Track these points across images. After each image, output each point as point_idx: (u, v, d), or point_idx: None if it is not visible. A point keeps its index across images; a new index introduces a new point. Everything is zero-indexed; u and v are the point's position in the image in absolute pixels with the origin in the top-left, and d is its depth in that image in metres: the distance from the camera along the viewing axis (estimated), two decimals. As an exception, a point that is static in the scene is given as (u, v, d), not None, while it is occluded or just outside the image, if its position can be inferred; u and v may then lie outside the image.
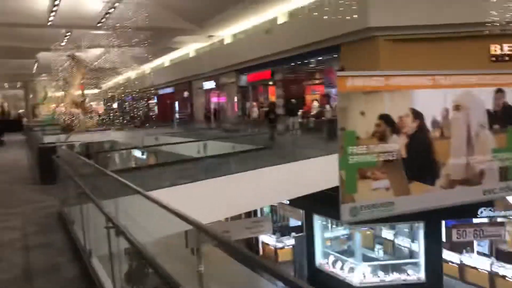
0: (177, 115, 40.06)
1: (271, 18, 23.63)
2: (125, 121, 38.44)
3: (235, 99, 28.47)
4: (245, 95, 27.75)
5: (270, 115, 15.60)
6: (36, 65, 40.11)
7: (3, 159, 16.96)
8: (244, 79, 27.32)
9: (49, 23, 22.25)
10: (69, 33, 26.90)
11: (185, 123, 33.87)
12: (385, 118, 5.86)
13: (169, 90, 40.85)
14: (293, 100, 22.80)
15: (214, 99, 32.78)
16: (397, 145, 5.92)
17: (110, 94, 54.45)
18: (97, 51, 38.65)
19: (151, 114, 45.30)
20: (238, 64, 25.95)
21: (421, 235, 14.12)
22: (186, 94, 37.07)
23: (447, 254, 14.46)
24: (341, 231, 16.43)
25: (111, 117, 37.85)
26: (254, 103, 26.75)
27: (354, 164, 5.75)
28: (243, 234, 10.35)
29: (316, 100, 21.64)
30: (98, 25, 23.45)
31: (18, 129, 41.09)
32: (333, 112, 19.78)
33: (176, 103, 40.46)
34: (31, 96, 55.36)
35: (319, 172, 11.60)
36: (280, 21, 23.07)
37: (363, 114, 5.79)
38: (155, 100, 45.43)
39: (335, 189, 11.67)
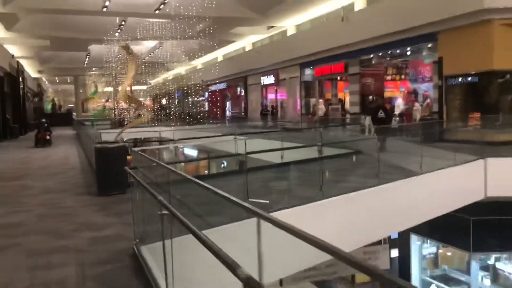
0: (229, 112, 38.06)
1: (346, 5, 20.92)
2: (173, 118, 36.85)
3: (297, 95, 25.95)
4: (309, 91, 25.18)
5: (379, 113, 12.86)
6: (87, 58, 39.06)
7: (51, 157, 15.08)
8: (309, 74, 24.75)
9: (104, 9, 20.47)
10: (124, 22, 25.18)
11: (239, 120, 31.71)
12: None
13: (221, 86, 38.84)
14: (370, 97, 20.17)
15: (271, 96, 30.38)
16: None
17: (159, 90, 53.46)
18: (149, 45, 37.20)
19: (201, 110, 43.57)
20: (303, 57, 23.43)
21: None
22: (239, 90, 34.95)
23: None
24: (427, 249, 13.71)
25: (164, 113, 36.30)
26: (321, 100, 24.18)
27: None
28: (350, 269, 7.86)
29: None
30: (156, 12, 21.48)
31: (68, 123, 40.38)
32: (424, 111, 17.02)
33: (229, 100, 38.42)
34: (81, 91, 54.92)
35: (451, 186, 8.98)
36: (358, 7, 20.32)
37: None
38: (206, 96, 43.63)
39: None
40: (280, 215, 5.77)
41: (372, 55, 19.59)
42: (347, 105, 22.88)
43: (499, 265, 12.44)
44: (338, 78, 23.31)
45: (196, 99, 45.99)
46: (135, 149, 4.90)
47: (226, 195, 3.21)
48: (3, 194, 8.48)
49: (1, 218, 6.55)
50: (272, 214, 5.79)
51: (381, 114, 12.58)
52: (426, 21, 15.43)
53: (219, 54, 38.65)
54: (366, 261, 6.53)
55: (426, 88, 17.74)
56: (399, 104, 18.81)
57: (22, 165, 13.24)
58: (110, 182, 7.90)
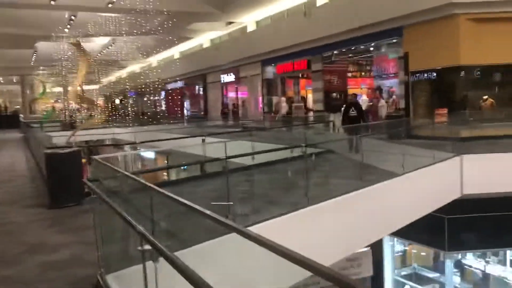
0: (187, 112, 37.01)
1: (307, 1, 20.53)
2: (129, 118, 35.51)
3: (259, 93, 25.36)
4: (271, 88, 24.63)
5: (350, 111, 12.28)
6: (34, 56, 36.85)
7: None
8: (270, 71, 24.22)
9: (52, 2, 19.04)
10: (74, 17, 23.67)
11: (198, 119, 30.80)
12: None
13: (179, 84, 37.69)
14: (334, 94, 19.89)
15: (232, 94, 29.66)
16: None
17: (112, 89, 51.48)
18: (101, 41, 35.56)
19: (158, 110, 42.29)
20: (265, 53, 22.87)
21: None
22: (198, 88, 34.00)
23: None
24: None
25: (118, 113, 34.81)
26: (283, 98, 23.67)
27: None
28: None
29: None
30: (109, 6, 20.23)
31: (15, 126, 37.98)
32: (390, 108, 16.83)
33: (187, 99, 37.36)
34: (28, 91, 52.11)
35: (430, 185, 8.60)
36: (321, 1, 19.93)
37: None
38: (163, 96, 42.34)
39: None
40: (268, 225, 5.11)
41: (335, 51, 19.25)
42: (310, 103, 22.54)
43: (466, 261, 12.36)
44: (301, 75, 22.90)
45: (152, 98, 44.61)
46: (97, 157, 4.06)
47: (207, 212, 2.57)
48: None
49: None
50: (260, 224, 5.14)
51: (352, 112, 12.03)
52: (390, 16, 15.21)
53: (176, 51, 37.48)
54: (349, 269, 5.96)
55: (391, 84, 17.59)
56: (364, 101, 18.56)
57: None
58: (63, 192, 6.94)
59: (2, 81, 59.48)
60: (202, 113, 33.28)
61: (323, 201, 6.03)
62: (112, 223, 3.62)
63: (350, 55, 20.24)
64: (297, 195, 6.45)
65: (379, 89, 18.04)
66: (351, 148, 10.55)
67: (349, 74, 20.52)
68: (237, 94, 29.00)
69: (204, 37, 31.56)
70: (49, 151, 6.98)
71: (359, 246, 7.82)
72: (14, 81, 56.10)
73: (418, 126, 14.51)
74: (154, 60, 42.02)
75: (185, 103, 37.74)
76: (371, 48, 18.71)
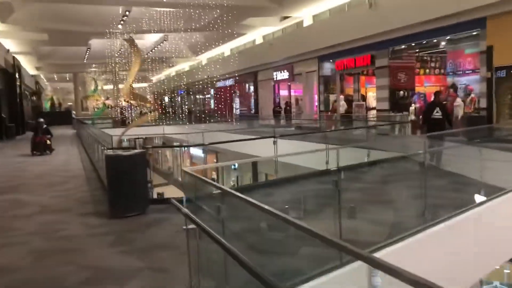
0: (237, 110, 36.21)
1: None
2: (182, 116, 35.24)
3: (315, 91, 24.12)
4: (328, 86, 23.34)
5: (434, 112, 10.49)
6: (87, 53, 37.16)
7: (49, 162, 13.22)
8: (328, 67, 22.91)
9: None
10: (128, 13, 23.26)
11: (248, 118, 29.91)
12: None
13: (228, 82, 36.96)
14: (401, 92, 18.39)
15: (284, 92, 28.55)
16: None
17: (161, 87, 51.64)
18: (152, 39, 35.35)
19: (206, 108, 41.86)
20: (323, 49, 21.60)
21: None
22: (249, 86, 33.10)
23: None
24: None
25: (167, 111, 34.52)
26: (342, 96, 22.35)
27: None
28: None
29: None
30: (164, 0, 19.59)
31: (67, 122, 38.56)
32: (468, 107, 15.21)
33: (236, 97, 36.57)
34: (80, 88, 53.06)
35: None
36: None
37: None
38: (212, 94, 41.80)
39: None
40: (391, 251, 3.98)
41: (403, 46, 17.75)
42: (370, 101, 21.10)
43: None
44: (362, 72, 21.46)
45: (201, 96, 44.25)
46: (186, 169, 3.07)
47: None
48: (-11, 215, 6.67)
49: (-18, 256, 4.73)
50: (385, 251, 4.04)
51: (437, 113, 10.33)
52: (472, 6, 13.61)
53: (226, 48, 36.74)
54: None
55: (468, 81, 15.93)
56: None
57: (16, 172, 11.39)
58: (126, 200, 6.09)
59: (56, 79, 61.13)
60: (253, 111, 32.39)
61: (445, 220, 4.81)
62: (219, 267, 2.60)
63: (420, 49, 18.65)
64: (404, 212, 5.27)
65: (454, 87, 16.41)
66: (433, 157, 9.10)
67: (421, 71, 18.90)
68: (289, 92, 27.88)
69: (256, 33, 30.59)
70: (110, 152, 6.14)
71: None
72: (67, 78, 57.43)
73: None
74: (203, 57, 41.54)
75: (234, 101, 36.98)
76: (443, 43, 17.11)
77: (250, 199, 2.25)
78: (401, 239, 4.30)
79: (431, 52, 19.10)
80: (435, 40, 16.67)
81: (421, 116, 12.37)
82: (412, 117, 17.20)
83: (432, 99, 11.56)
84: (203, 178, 2.66)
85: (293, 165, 9.80)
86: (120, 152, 6.12)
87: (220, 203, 2.72)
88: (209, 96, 42.57)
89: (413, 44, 17.47)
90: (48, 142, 15.49)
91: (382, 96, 18.73)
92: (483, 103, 14.21)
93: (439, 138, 9.49)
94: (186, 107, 42.41)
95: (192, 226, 2.50)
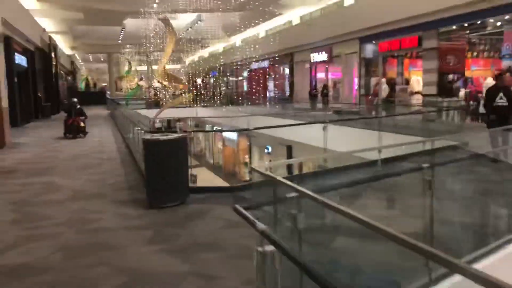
0: (271, 93, 35.41)
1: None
2: (217, 99, 34.78)
3: (355, 73, 23.08)
4: (369, 69, 22.24)
5: (497, 98, 9.22)
6: (122, 33, 36.98)
7: (83, 143, 12.88)
8: (370, 49, 21.79)
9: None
10: (163, -9, 22.72)
11: (284, 101, 29.11)
12: None
13: (263, 64, 36.10)
14: (450, 76, 17.25)
15: (321, 74, 27.54)
16: None
17: (195, 68, 51.25)
18: (186, 19, 34.78)
19: (239, 91, 41.23)
20: (365, 29, 20.49)
21: None
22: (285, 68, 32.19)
23: None
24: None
25: (201, 93, 34.10)
26: (383, 79, 21.24)
27: None
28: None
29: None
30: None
31: (102, 102, 38.74)
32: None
33: (271, 79, 35.73)
34: (114, 69, 53.33)
35: None
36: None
37: None
38: (246, 76, 41.09)
39: None
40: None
41: (454, 27, 16.54)
42: (416, 85, 19.91)
43: None
44: (406, 54, 20.28)
45: (234, 78, 43.61)
46: (258, 167, 2.36)
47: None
48: (21, 199, 6.25)
49: (9, 251, 4.25)
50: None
51: (501, 100, 8.92)
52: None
53: (261, 29, 35.82)
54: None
55: (527, 65, 14.67)
56: (489, 85, 15.76)
57: (50, 152, 11.08)
58: (165, 189, 5.53)
59: (91, 59, 61.66)
60: (287, 94, 31.55)
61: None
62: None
63: (467, 31, 17.37)
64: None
65: (510, 71, 15.15)
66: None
67: (472, 53, 17.65)
68: (327, 74, 26.87)
69: (294, 13, 29.55)
70: (148, 137, 5.56)
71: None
72: (102, 59, 57.80)
73: None
74: (238, 39, 40.77)
75: (268, 84, 36.16)
76: (498, 23, 15.80)
77: (364, 218, 1.58)
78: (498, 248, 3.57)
79: (484, 34, 17.78)
80: (491, 20, 15.40)
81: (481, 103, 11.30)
82: (462, 102, 16.10)
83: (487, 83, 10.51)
84: (285, 180, 2.01)
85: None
86: (158, 136, 5.54)
87: (296, 211, 2.07)
88: (241, 78, 41.87)
89: (465, 25, 16.25)
90: (82, 124, 14.62)
91: (430, 80, 17.59)
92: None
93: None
94: (222, 89, 41.85)
95: (270, 247, 1.85)
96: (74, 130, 14.21)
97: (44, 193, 6.62)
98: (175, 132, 5.80)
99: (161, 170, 5.46)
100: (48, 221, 5.12)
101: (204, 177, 15.68)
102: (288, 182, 2.04)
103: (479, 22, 15.75)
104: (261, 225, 1.91)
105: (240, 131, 6.92)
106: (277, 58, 31.68)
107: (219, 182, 24.43)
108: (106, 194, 6.39)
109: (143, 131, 6.72)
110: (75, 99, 15.64)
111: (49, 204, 5.95)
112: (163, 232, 4.63)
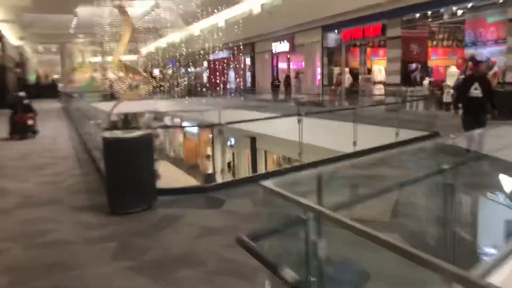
0: (232, 84, 34.76)
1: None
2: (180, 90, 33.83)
3: (318, 63, 22.81)
4: (332, 58, 22.00)
5: (472, 89, 8.17)
6: (74, 22, 35.19)
7: (34, 141, 11.81)
8: (333, 38, 21.55)
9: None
10: (117, -23, 21.49)
11: (246, 93, 28.60)
12: None
13: (222, 54, 35.33)
14: (413, 65, 17.24)
15: (283, 65, 27.17)
16: None
17: (151, 59, 49.77)
18: (141, 8, 33.45)
19: (197, 82, 40.31)
20: (328, 18, 20.20)
21: None
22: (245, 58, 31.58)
23: None
24: None
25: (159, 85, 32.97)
26: (347, 69, 21.09)
27: None
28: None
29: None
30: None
31: (53, 95, 36.93)
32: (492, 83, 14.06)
33: (231, 70, 35.04)
34: (66, 60, 51.02)
35: None
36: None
37: None
38: (205, 66, 40.20)
39: None
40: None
41: (418, 15, 16.48)
42: (376, 75, 19.82)
43: None
44: (370, 43, 20.17)
45: (193, 69, 42.61)
46: (267, 183, 1.81)
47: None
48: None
49: None
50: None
51: (475, 91, 8.13)
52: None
53: (220, 18, 35.01)
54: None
55: (490, 53, 14.77)
56: (452, 73, 15.83)
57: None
58: (129, 193, 4.90)
59: (41, 50, 58.77)
60: (248, 85, 31.03)
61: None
62: None
63: (430, 19, 17.37)
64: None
65: (473, 59, 15.22)
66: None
67: (435, 42, 17.71)
68: (289, 64, 26.53)
69: (254, 2, 28.94)
70: (109, 135, 4.90)
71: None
72: (53, 50, 55.19)
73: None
74: (196, 28, 39.73)
75: (229, 75, 35.47)
76: (460, 11, 15.85)
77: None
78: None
79: (444, 23, 17.85)
80: (454, 8, 15.41)
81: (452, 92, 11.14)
82: (426, 92, 16.14)
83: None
84: (305, 201, 1.50)
85: (312, 146, 8.61)
86: (120, 134, 4.89)
87: (316, 237, 1.56)
88: (199, 69, 40.97)
89: (429, 13, 16.22)
90: (30, 122, 12.47)
91: (393, 69, 17.52)
92: (510, 77, 13.12)
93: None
94: (181, 80, 40.73)
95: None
96: (21, 130, 12.22)
97: (-13, 199, 5.84)
98: (137, 128, 5.17)
99: (124, 171, 4.83)
100: (-8, 235, 4.41)
101: (167, 172, 14.98)
102: (321, 209, 1.52)
103: (442, 10, 15.74)
104: (292, 275, 1.36)
105: (212, 126, 6.32)
106: (238, 48, 31.03)
107: (184, 178, 23.73)
108: (62, 199, 5.68)
109: (101, 128, 6.04)
110: (22, 93, 13.66)
111: (-7, 212, 5.20)
112: (129, 245, 4.03)
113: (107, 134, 4.97)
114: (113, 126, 6.30)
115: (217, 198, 5.41)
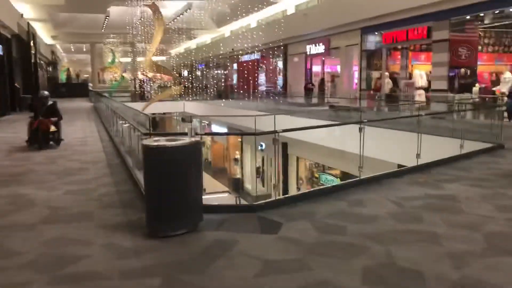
0: (262, 87, 33.97)
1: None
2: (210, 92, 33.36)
3: (355, 67, 21.84)
4: (371, 62, 21.01)
5: None
6: (106, 21, 35.13)
7: (63, 143, 11.02)
8: (373, 41, 20.56)
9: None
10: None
11: (276, 96, 27.77)
12: None
13: (254, 56, 34.62)
14: (462, 70, 16.13)
15: (317, 68, 26.25)
16: None
17: (181, 60, 49.52)
18: (173, 9, 33.19)
19: (228, 84, 39.70)
20: (368, 20, 19.25)
21: None
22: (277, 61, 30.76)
23: None
24: None
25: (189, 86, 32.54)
26: (387, 73, 20.06)
27: None
28: None
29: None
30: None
31: (84, 95, 36.93)
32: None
33: (262, 72, 34.26)
34: (97, 60, 51.32)
35: None
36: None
37: None
38: (235, 69, 39.56)
39: None
40: None
41: (468, 16, 15.40)
42: (419, 80, 18.73)
43: None
44: (411, 47, 19.10)
45: (222, 71, 42.05)
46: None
47: None
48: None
49: None
50: None
51: None
52: None
53: (252, 20, 34.34)
54: None
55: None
56: (507, 80, 14.69)
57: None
58: (171, 210, 4.14)
59: (72, 49, 59.41)
60: (279, 88, 30.20)
61: None
62: None
63: (479, 22, 16.23)
64: None
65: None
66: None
67: (486, 47, 16.61)
68: (323, 67, 25.60)
69: (288, 2, 28.16)
70: (150, 143, 4.15)
71: None
72: (84, 49, 55.69)
73: None
74: (227, 29, 39.22)
75: (260, 77, 34.69)
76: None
77: None
78: None
79: (490, 27, 16.72)
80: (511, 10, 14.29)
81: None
82: (476, 99, 15.03)
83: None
84: None
85: (369, 158, 7.67)
86: (164, 141, 4.14)
87: None
88: (231, 71, 40.32)
89: (481, 14, 15.12)
90: (53, 128, 10.03)
91: (439, 74, 16.43)
92: None
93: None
94: (210, 81, 40.24)
95: None
96: (40, 139, 9.82)
97: (11, 212, 5.17)
98: (185, 134, 4.41)
99: (168, 185, 4.06)
100: (11, 260, 3.70)
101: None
102: None
103: (497, 12, 14.63)
104: None
105: (267, 133, 5.55)
106: (271, 50, 30.26)
107: (211, 183, 23.01)
108: (93, 214, 4.97)
109: (141, 134, 5.32)
110: (46, 92, 11.10)
111: (14, 229, 4.51)
112: (177, 283, 3.24)
113: (149, 141, 4.22)
114: (153, 131, 5.58)
115: (270, 219, 4.60)
